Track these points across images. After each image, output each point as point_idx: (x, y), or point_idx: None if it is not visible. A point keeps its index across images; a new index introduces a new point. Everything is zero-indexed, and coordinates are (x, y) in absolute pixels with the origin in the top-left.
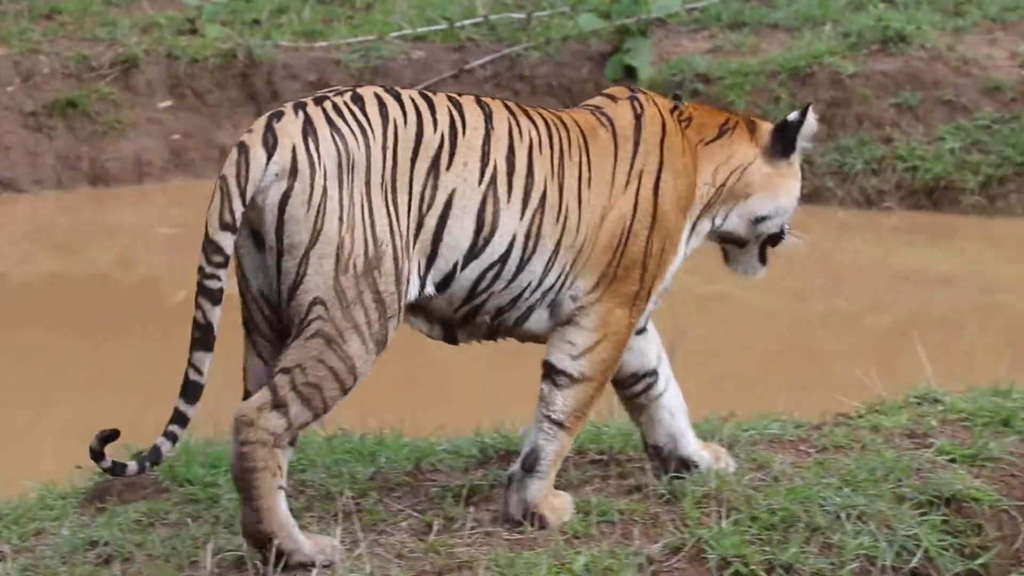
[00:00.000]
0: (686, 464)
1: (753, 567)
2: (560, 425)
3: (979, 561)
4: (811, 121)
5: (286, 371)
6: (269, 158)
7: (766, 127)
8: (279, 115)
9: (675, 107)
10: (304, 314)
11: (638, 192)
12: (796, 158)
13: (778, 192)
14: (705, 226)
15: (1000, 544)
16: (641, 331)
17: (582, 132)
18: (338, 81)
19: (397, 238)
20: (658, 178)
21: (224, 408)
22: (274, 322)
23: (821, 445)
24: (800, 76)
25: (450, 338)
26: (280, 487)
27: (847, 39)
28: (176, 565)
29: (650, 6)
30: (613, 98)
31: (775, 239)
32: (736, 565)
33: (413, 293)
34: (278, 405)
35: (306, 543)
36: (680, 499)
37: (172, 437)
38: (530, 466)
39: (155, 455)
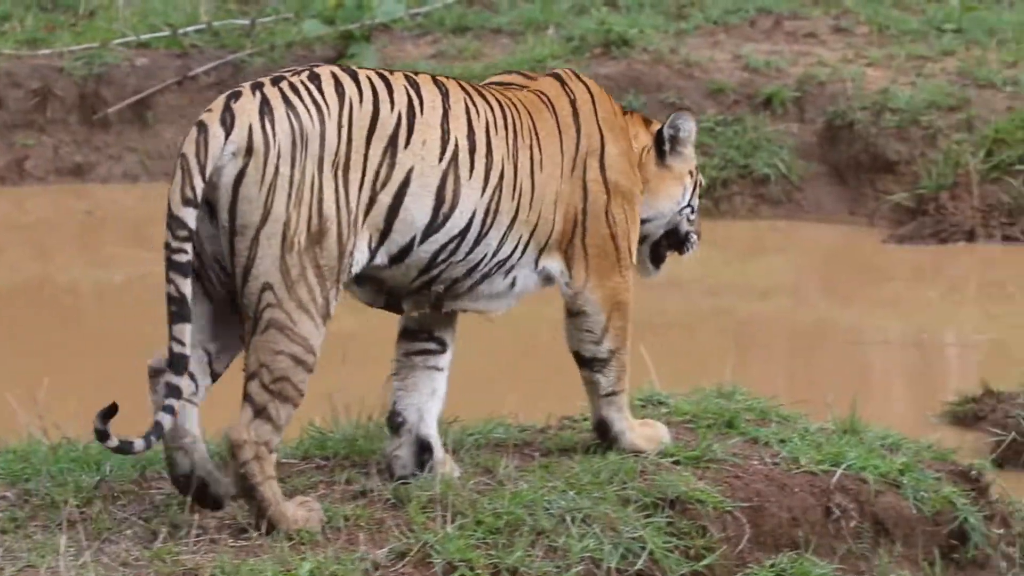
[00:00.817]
0: (423, 445)
1: (479, 571)
2: (612, 394)
3: (704, 562)
4: (685, 127)
5: (253, 376)
6: (227, 136)
7: (656, 126)
8: (237, 95)
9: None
10: (256, 303)
11: (585, 175)
12: (674, 163)
13: (659, 195)
14: None
15: (725, 545)
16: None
17: (529, 113)
18: (61, 89)
19: (344, 214)
20: (602, 154)
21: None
22: (226, 284)
23: (546, 448)
24: None
25: (395, 307)
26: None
27: (570, 43)
28: None
29: (374, 11)
30: (528, 79)
31: (678, 242)
32: (462, 569)
33: (360, 265)
34: (259, 412)
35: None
36: (405, 504)
37: (171, 410)
38: (605, 431)
39: (158, 430)
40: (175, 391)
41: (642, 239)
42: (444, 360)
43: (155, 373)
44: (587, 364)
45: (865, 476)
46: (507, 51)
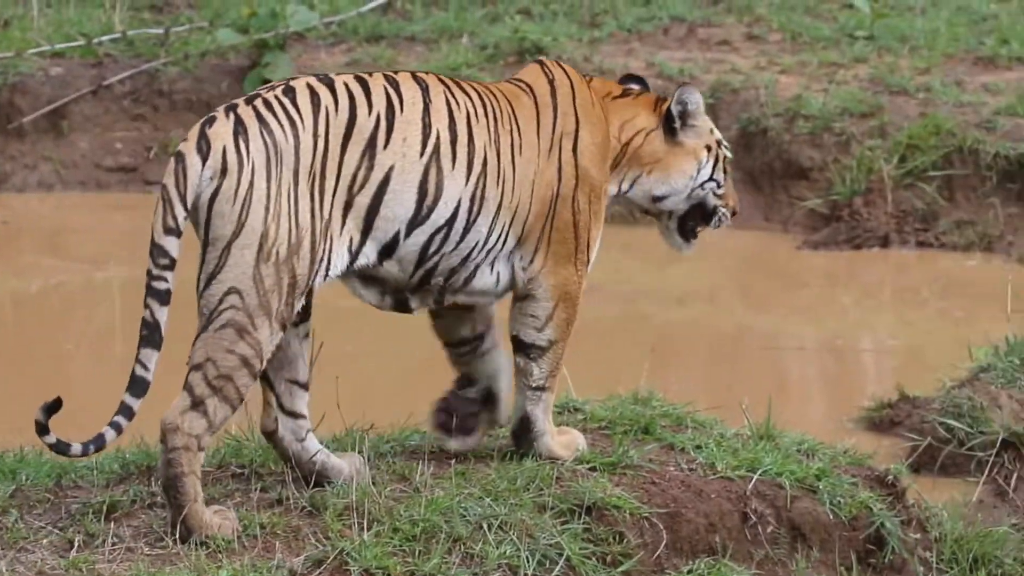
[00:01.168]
0: (490, 396)
1: None
2: (541, 389)
3: (621, 569)
4: (692, 100)
5: (198, 367)
6: (204, 163)
7: (665, 105)
8: (211, 120)
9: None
10: (216, 304)
11: (560, 156)
12: (687, 139)
13: (671, 171)
14: (610, 188)
15: (642, 551)
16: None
17: (508, 100)
18: None
19: (317, 221)
20: (576, 137)
21: None
22: None
23: (462, 456)
24: None
25: (403, 307)
26: (309, 430)
27: (484, 51)
28: None
29: (288, 20)
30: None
31: (706, 216)
32: None
33: (338, 269)
34: (196, 405)
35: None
36: (322, 512)
37: (117, 427)
38: (527, 428)
39: (100, 442)
40: (127, 411)
41: (668, 215)
42: (488, 342)
43: (267, 432)
44: (524, 350)
45: (781, 481)
46: (421, 59)
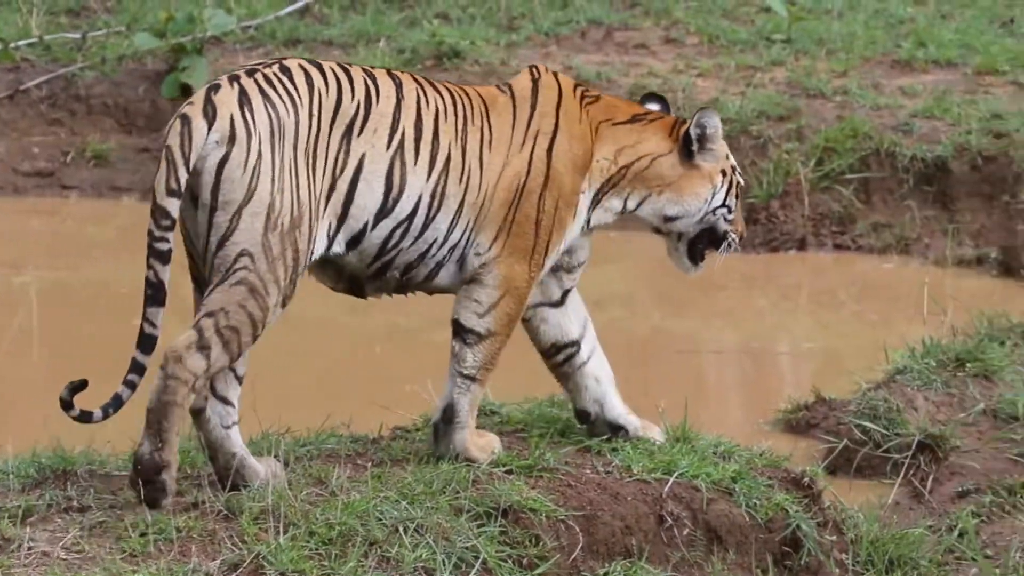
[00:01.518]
0: (614, 428)
1: None
2: (472, 379)
3: (537, 571)
4: (710, 124)
5: (211, 314)
6: (210, 127)
7: (684, 127)
8: (216, 87)
9: (577, 84)
10: (231, 263)
11: (532, 152)
12: (704, 163)
13: (684, 193)
14: (614, 204)
15: (558, 554)
16: (558, 304)
17: (483, 100)
18: None
19: (313, 200)
20: (552, 139)
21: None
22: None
23: (379, 459)
24: None
25: (358, 292)
26: (235, 422)
27: (402, 55)
28: None
29: (205, 24)
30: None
31: (715, 241)
32: None
33: (317, 254)
34: (202, 347)
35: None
36: (238, 516)
37: (131, 385)
38: (449, 418)
39: (116, 403)
40: (139, 368)
41: (677, 236)
42: (586, 351)
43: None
44: (462, 334)
45: (698, 484)
46: None
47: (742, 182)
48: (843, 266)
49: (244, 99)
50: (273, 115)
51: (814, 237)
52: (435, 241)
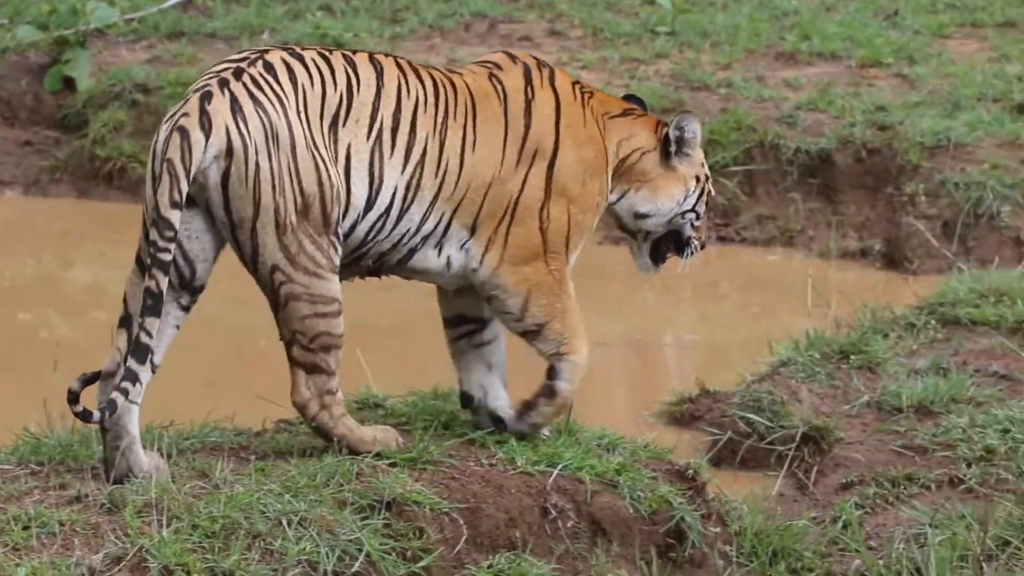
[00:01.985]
0: (495, 419)
1: (195, 575)
2: (559, 356)
3: (421, 564)
4: (689, 128)
5: (291, 343)
6: (207, 140)
7: (665, 128)
8: (208, 96)
9: (575, 82)
10: (271, 283)
11: (529, 172)
12: (680, 166)
13: (659, 192)
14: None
15: (442, 546)
16: None
17: (471, 95)
18: None
19: (326, 188)
20: (554, 158)
21: None
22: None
23: (263, 452)
24: None
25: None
26: (137, 402)
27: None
28: None
29: (88, 17)
30: (510, 62)
31: (679, 245)
32: (178, 573)
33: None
34: (311, 370)
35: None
36: (121, 509)
37: (124, 392)
38: (550, 392)
39: (112, 406)
40: (132, 376)
41: (644, 235)
42: (489, 334)
43: (107, 376)
44: (525, 337)
45: (582, 476)
46: (223, 56)
47: (713, 192)
48: (727, 258)
49: (236, 107)
50: (265, 120)
51: None
52: (407, 231)
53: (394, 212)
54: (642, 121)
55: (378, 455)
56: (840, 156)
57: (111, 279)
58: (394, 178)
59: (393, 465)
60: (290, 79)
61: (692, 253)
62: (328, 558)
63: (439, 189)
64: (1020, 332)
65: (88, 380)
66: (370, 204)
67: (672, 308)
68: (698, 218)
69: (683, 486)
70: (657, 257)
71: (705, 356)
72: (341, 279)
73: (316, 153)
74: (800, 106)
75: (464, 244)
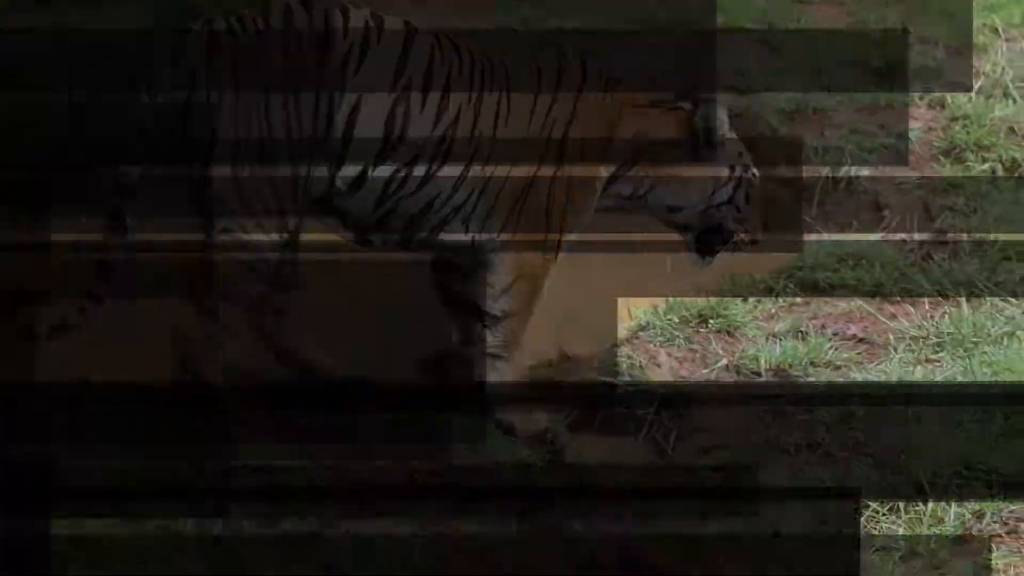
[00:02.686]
0: None
1: None
2: (496, 357)
3: None
4: (714, 118)
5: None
6: None
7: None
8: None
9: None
10: None
11: (546, 144)
12: (708, 157)
13: (689, 185)
14: (624, 188)
15: None
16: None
17: (507, 73)
18: None
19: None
20: (567, 130)
21: None
22: None
23: None
24: None
25: (365, 242)
26: None
27: None
28: None
29: None
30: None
31: (723, 242)
32: None
33: (318, 192)
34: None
35: None
36: None
37: None
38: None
39: None
40: None
41: (683, 228)
42: None
43: None
44: (481, 317)
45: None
46: None
47: (756, 184)
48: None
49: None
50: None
51: None
52: (438, 196)
53: (419, 170)
54: (672, 113)
55: None
56: None
57: None
58: (421, 135)
59: None
60: (284, 21)
61: (738, 248)
62: None
63: (472, 159)
64: (878, 295)
65: None
66: (384, 154)
67: None
68: (739, 211)
69: (542, 450)
70: (704, 251)
71: (564, 321)
72: (374, 243)
73: (296, 100)
74: None
75: (488, 231)
